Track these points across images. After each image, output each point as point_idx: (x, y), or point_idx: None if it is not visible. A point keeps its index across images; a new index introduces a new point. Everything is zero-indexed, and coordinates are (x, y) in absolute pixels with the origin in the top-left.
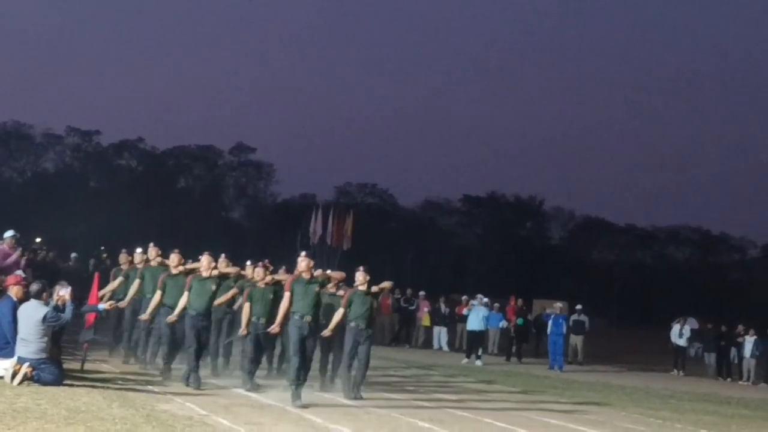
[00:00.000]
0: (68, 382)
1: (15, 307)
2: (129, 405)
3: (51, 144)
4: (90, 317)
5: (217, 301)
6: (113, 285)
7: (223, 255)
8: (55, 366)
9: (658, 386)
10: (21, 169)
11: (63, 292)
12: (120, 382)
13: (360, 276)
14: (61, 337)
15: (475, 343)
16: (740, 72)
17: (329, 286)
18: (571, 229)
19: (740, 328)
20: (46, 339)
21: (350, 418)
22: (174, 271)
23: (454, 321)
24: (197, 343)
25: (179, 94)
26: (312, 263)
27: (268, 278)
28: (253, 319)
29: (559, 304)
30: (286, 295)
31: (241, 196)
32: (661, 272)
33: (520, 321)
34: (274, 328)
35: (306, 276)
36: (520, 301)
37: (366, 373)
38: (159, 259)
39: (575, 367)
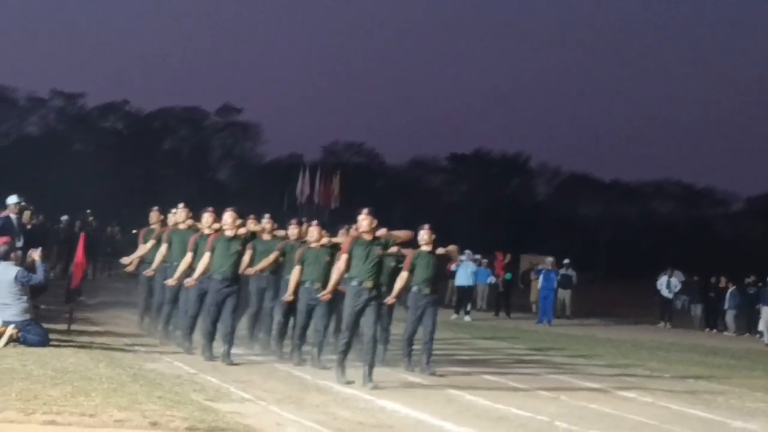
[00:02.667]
0: (55, 343)
1: None
2: (116, 365)
3: (35, 107)
4: (76, 278)
5: (257, 267)
6: (143, 249)
7: (267, 215)
8: (41, 327)
9: (645, 338)
10: (5, 133)
11: (33, 253)
12: (107, 343)
13: (425, 235)
14: (37, 297)
15: (464, 298)
16: (721, 23)
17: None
18: (557, 185)
19: (722, 280)
20: (25, 299)
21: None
22: (207, 232)
23: (443, 277)
24: (218, 312)
25: (164, 55)
26: (375, 222)
27: (324, 239)
28: (306, 284)
29: (549, 259)
30: (343, 257)
31: (228, 157)
32: (646, 226)
33: (508, 276)
34: (325, 295)
35: (367, 237)
36: (508, 257)
37: (432, 344)
38: (189, 221)
39: (563, 321)
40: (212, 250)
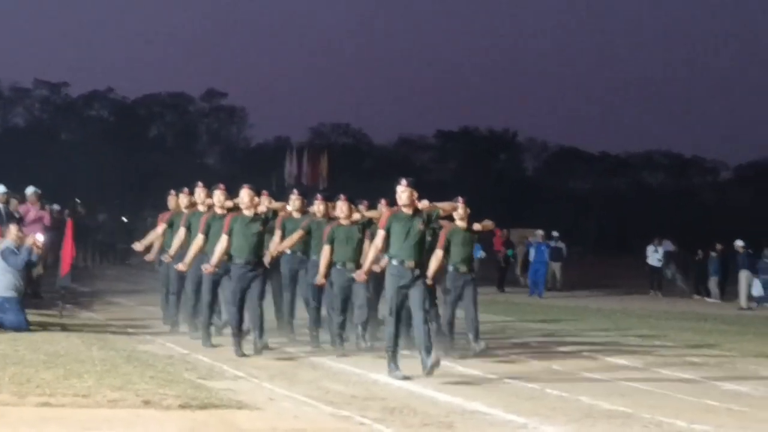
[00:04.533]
0: (46, 329)
1: None
2: (109, 347)
3: (19, 98)
4: (65, 264)
5: (281, 246)
6: (155, 235)
7: (295, 190)
8: (21, 312)
9: (635, 307)
10: None
11: (31, 237)
12: (99, 327)
13: (459, 209)
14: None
15: None
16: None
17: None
18: (545, 159)
19: (708, 249)
20: (10, 276)
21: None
22: (219, 211)
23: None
24: (243, 300)
25: (147, 41)
26: (416, 194)
27: (356, 215)
28: (338, 265)
29: (540, 232)
30: (380, 233)
31: (215, 142)
32: (635, 197)
33: (509, 252)
34: (360, 275)
35: (407, 211)
36: (505, 232)
37: (478, 322)
38: (209, 201)
39: (555, 294)
40: (230, 232)
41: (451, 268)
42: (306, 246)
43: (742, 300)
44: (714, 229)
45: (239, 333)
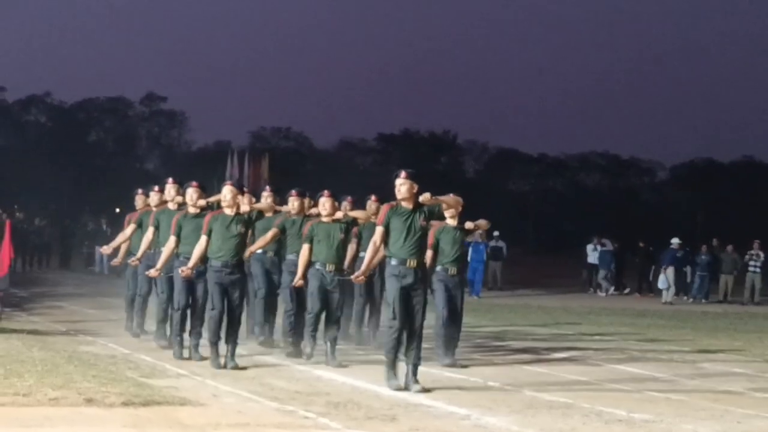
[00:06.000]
0: None
1: None
2: (49, 348)
3: None
4: (4, 265)
5: (253, 247)
6: (123, 236)
7: (267, 187)
8: None
9: (575, 304)
10: None
11: None
12: (40, 329)
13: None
14: None
15: None
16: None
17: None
18: (485, 161)
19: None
20: None
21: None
22: (192, 210)
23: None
24: (222, 305)
25: (84, 45)
26: (416, 187)
27: (339, 213)
28: (317, 265)
29: (479, 231)
30: (379, 230)
31: (155, 147)
32: (574, 198)
33: None
34: (359, 277)
35: (407, 205)
36: None
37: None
38: (179, 199)
39: (496, 293)
40: (209, 233)
41: (440, 269)
42: (279, 246)
43: (669, 295)
44: (652, 228)
45: (217, 342)
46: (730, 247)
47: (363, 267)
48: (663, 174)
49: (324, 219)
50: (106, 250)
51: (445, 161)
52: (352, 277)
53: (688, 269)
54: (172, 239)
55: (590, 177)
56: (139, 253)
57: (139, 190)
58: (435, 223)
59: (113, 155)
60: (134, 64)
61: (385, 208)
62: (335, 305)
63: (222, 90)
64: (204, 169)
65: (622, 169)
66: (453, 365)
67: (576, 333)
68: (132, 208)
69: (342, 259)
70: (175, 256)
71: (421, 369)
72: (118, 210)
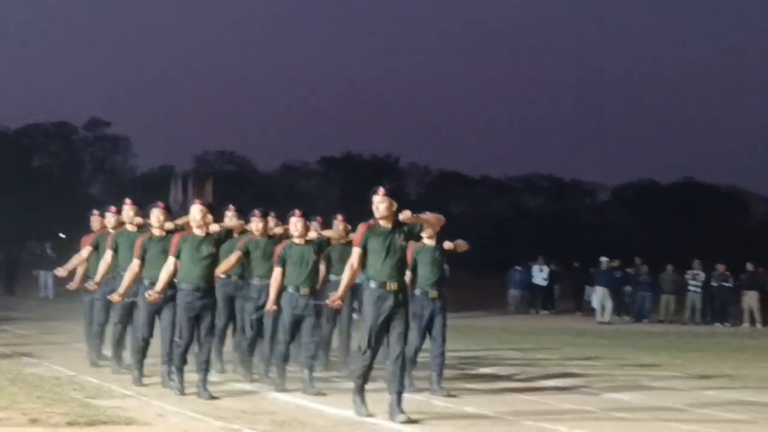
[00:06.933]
0: None
1: None
2: None
3: None
4: None
5: (216, 271)
6: (79, 259)
7: (231, 207)
8: None
9: (517, 324)
10: None
11: None
12: None
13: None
14: None
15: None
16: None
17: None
18: (427, 183)
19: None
20: None
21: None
22: (157, 233)
23: None
24: (191, 335)
25: (26, 70)
26: (395, 205)
27: (312, 233)
28: (290, 290)
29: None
30: (356, 251)
31: (100, 172)
32: (517, 220)
33: None
34: (335, 301)
35: (386, 224)
36: None
37: (444, 358)
38: (138, 220)
39: None
40: (178, 254)
41: (418, 292)
42: (243, 269)
43: (604, 315)
44: (594, 249)
45: (182, 369)
46: (670, 267)
47: (340, 290)
48: (604, 195)
49: (296, 240)
50: (61, 272)
51: (388, 184)
52: (328, 301)
53: (629, 289)
54: (136, 262)
55: (533, 199)
56: (98, 277)
57: (95, 211)
58: (411, 243)
59: (58, 181)
60: (78, 89)
61: (362, 227)
62: (310, 330)
63: (166, 114)
64: (148, 193)
65: (565, 190)
66: (448, 393)
67: (517, 351)
68: (84, 230)
69: (316, 282)
70: (139, 281)
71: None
72: (63, 235)
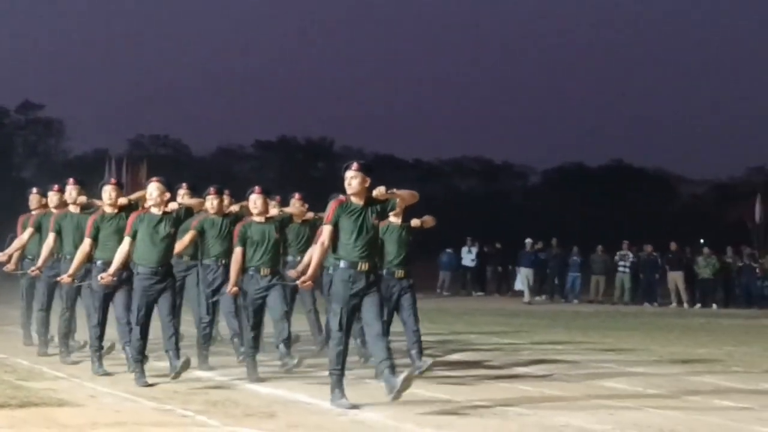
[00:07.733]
0: None
1: None
2: None
3: None
4: None
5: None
6: (20, 241)
7: (184, 185)
8: None
9: (450, 306)
10: None
11: None
12: None
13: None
14: None
15: None
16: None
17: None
18: None
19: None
20: None
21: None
22: (109, 209)
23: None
24: (148, 320)
25: None
26: (369, 181)
27: (274, 211)
28: (250, 271)
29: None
30: (327, 229)
31: (32, 155)
32: (449, 203)
33: None
34: (306, 281)
35: (358, 201)
36: None
37: (420, 335)
38: (82, 199)
39: None
40: (134, 235)
41: (384, 272)
42: (195, 249)
43: (525, 296)
44: (524, 231)
45: (142, 358)
46: (600, 248)
47: (310, 271)
48: (535, 178)
49: (256, 218)
50: (1, 257)
51: (322, 167)
52: (299, 282)
53: (557, 270)
54: (87, 242)
55: (465, 182)
56: (40, 262)
57: (34, 189)
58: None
59: None
60: (9, 71)
61: (333, 204)
62: (279, 301)
63: (100, 98)
64: (82, 176)
65: (496, 173)
66: (428, 369)
67: (452, 333)
68: (16, 213)
69: (278, 261)
70: (91, 262)
71: (301, 370)
72: None
